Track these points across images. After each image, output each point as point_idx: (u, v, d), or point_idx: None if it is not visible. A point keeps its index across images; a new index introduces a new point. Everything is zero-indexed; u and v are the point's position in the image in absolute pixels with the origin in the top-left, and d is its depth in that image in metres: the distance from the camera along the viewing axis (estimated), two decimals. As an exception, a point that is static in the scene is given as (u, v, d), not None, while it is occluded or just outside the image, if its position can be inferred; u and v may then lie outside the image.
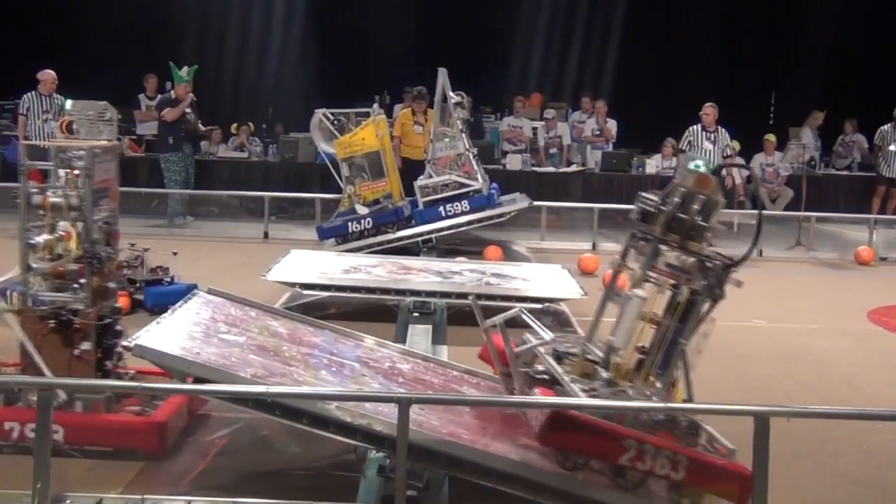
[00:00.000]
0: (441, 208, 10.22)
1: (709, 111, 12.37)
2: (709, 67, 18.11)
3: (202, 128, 13.38)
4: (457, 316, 7.55)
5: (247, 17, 17.85)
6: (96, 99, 5.15)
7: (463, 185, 10.36)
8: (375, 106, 10.80)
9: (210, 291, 5.15)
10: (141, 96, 14.59)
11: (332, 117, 10.57)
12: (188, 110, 12.62)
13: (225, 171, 13.97)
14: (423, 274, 8.14)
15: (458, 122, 10.58)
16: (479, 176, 10.46)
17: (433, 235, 10.25)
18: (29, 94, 12.38)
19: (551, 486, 3.96)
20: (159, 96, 14.00)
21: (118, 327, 4.96)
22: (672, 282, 4.15)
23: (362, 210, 10.02)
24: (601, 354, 4.26)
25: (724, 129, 12.45)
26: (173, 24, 17.53)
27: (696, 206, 4.04)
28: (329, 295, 7.72)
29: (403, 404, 3.69)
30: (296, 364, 4.48)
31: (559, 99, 16.70)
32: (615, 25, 18.14)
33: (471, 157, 10.55)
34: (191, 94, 12.58)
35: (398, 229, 10.05)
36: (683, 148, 12.56)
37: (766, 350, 7.32)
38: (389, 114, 15.53)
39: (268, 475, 4.56)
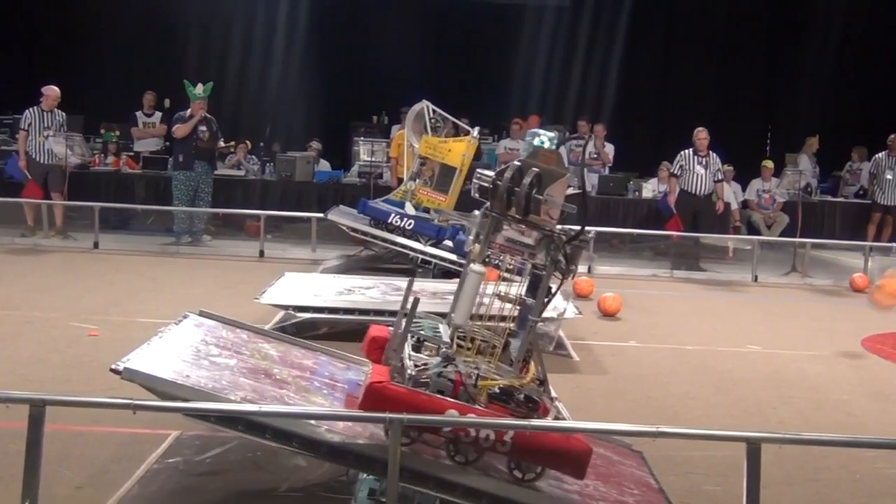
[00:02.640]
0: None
1: (703, 136, 12.41)
2: (706, 93, 18.21)
3: (222, 144, 13.37)
4: (451, 337, 7.53)
5: (246, 36, 17.92)
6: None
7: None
8: (477, 129, 10.78)
9: (202, 314, 5.13)
10: (138, 113, 14.62)
11: (433, 114, 10.54)
12: (202, 127, 12.60)
13: (222, 188, 13.98)
14: (419, 295, 8.11)
15: None
16: None
17: (441, 263, 10.13)
18: (31, 109, 12.41)
19: None
20: (160, 114, 14.02)
21: None
22: (515, 257, 4.15)
23: (411, 210, 10.02)
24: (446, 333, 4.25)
25: (715, 154, 12.48)
26: (173, 42, 17.59)
27: (527, 179, 3.99)
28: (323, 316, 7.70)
29: (395, 426, 3.68)
30: (287, 387, 4.45)
31: (557, 122, 16.72)
32: (613, 51, 18.23)
33: None
34: (202, 111, 12.57)
35: (431, 245, 9.97)
36: (675, 172, 12.60)
37: (760, 376, 7.31)
38: (387, 134, 15.62)
39: (257, 496, 4.53)
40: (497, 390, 3.98)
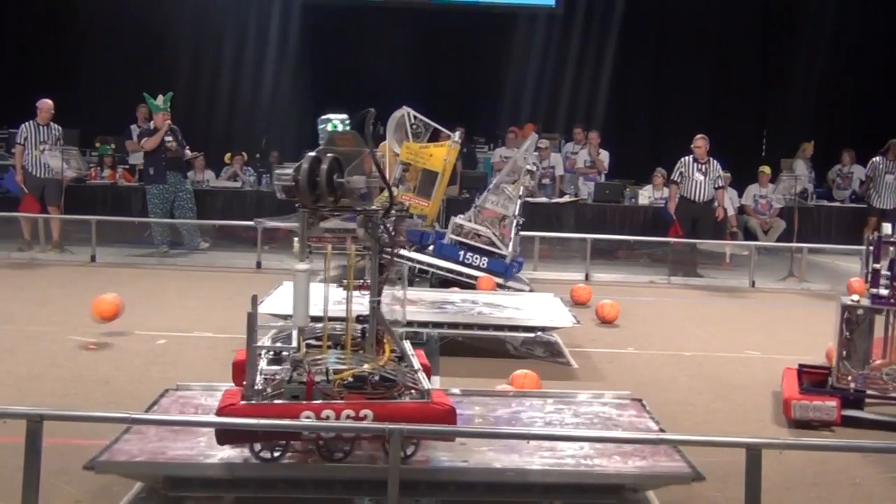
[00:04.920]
0: (462, 252, 9.95)
1: (700, 143, 12.42)
2: (700, 100, 18.25)
3: (188, 153, 13.38)
4: (449, 346, 7.53)
5: (241, 47, 17.94)
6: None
7: (493, 244, 10.09)
8: (458, 133, 10.75)
9: (179, 388, 5.17)
10: (132, 126, 14.63)
11: (413, 120, 10.52)
12: (168, 138, 12.65)
13: (218, 200, 13.98)
14: (416, 304, 8.12)
15: (521, 187, 10.42)
16: (511, 245, 10.09)
17: (438, 272, 10.08)
18: (27, 123, 12.42)
19: None
20: (141, 127, 14.06)
21: None
22: (336, 244, 4.25)
23: None
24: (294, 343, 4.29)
25: (715, 161, 12.49)
26: (167, 55, 17.59)
27: (324, 166, 4.04)
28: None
29: (395, 436, 3.67)
30: None
31: (552, 130, 16.77)
32: (607, 58, 18.27)
33: (514, 224, 10.21)
34: (167, 122, 12.62)
35: (414, 251, 9.94)
36: (675, 179, 12.61)
37: (758, 381, 7.30)
38: (379, 144, 15.61)
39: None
40: (351, 379, 4.06)
